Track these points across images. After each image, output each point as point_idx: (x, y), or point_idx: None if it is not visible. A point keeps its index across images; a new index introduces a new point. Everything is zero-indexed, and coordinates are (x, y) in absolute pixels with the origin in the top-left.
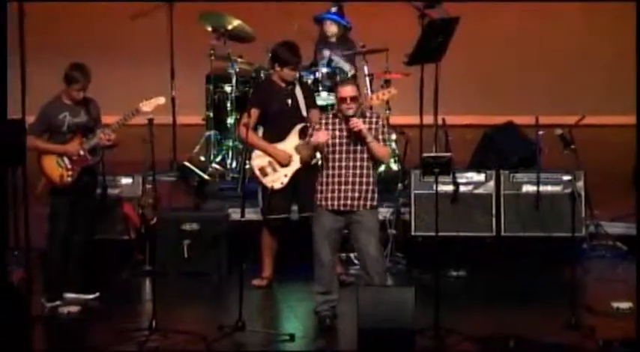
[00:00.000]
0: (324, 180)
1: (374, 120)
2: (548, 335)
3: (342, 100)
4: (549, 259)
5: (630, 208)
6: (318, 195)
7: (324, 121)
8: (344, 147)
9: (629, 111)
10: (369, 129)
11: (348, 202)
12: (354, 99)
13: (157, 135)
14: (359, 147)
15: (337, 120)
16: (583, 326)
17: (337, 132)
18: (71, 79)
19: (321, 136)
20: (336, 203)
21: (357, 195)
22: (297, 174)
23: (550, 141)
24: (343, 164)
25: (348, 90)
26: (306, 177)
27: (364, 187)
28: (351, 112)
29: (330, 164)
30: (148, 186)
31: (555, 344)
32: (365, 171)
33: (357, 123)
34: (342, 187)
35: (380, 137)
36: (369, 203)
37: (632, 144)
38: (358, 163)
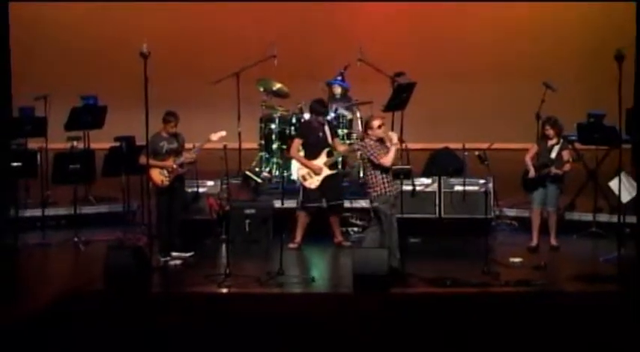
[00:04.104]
0: (390, 179)
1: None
2: (471, 278)
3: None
4: (471, 231)
5: (520, 199)
6: (387, 188)
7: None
8: None
9: (521, 140)
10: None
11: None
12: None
13: (229, 155)
14: None
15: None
16: (492, 273)
17: None
18: (167, 120)
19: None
20: (393, 191)
21: None
22: (325, 180)
23: (472, 159)
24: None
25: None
26: (330, 181)
27: None
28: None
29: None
30: (224, 186)
31: (475, 283)
32: None
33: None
34: (392, 181)
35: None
36: None
37: (522, 161)
38: None
